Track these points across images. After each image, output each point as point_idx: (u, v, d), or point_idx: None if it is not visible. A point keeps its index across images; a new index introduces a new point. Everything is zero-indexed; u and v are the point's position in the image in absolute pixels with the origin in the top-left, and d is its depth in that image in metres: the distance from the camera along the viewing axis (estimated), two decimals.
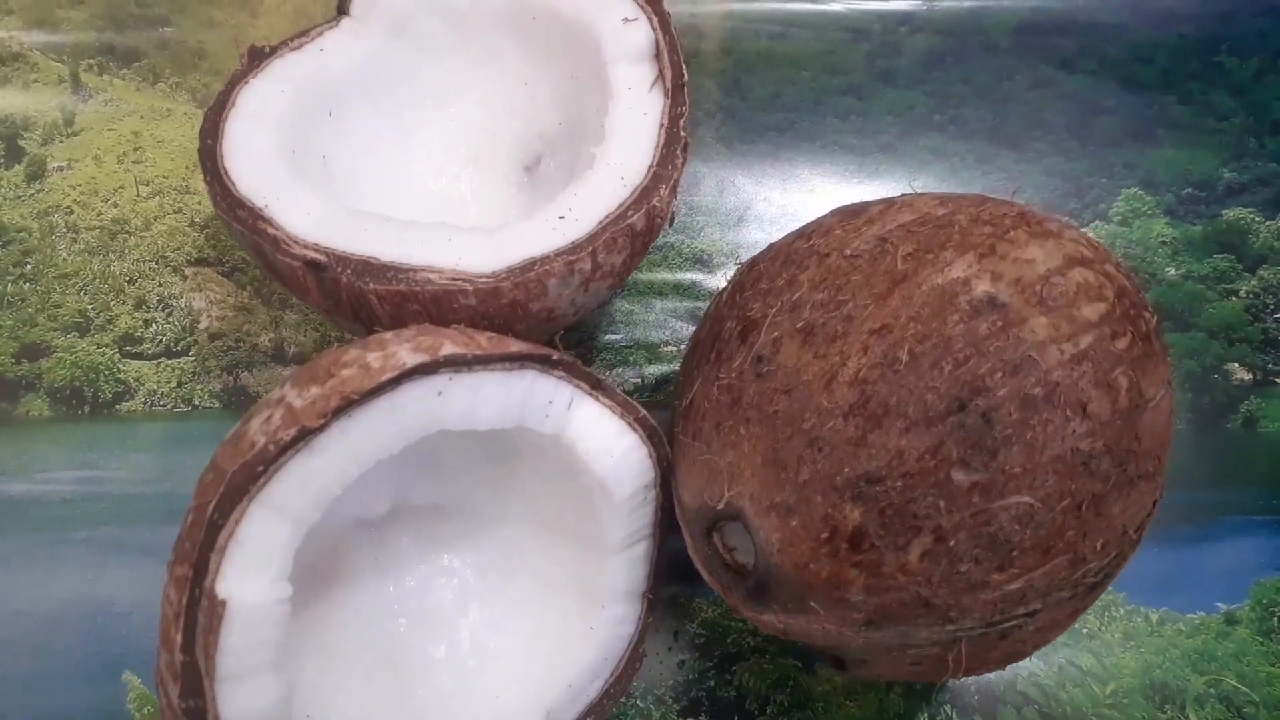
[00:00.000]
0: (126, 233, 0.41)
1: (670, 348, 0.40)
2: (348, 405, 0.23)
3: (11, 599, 0.35)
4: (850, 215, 0.27)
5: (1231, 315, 0.42)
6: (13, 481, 0.37)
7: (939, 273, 0.23)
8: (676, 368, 0.40)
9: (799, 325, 0.24)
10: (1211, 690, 0.35)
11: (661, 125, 0.30)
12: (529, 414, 0.26)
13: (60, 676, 0.34)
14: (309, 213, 0.28)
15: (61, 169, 0.43)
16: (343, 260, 0.27)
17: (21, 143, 0.43)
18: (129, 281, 0.41)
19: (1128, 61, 0.47)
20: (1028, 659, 0.26)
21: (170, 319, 0.40)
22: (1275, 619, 0.36)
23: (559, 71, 0.35)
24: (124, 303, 0.40)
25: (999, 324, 0.22)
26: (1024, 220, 0.25)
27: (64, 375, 0.39)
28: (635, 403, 0.28)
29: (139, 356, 0.40)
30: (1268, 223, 0.44)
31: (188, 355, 0.40)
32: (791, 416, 0.23)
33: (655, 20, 0.31)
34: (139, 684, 0.34)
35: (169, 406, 0.39)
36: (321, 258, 0.27)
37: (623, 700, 0.34)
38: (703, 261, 0.42)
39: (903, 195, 0.28)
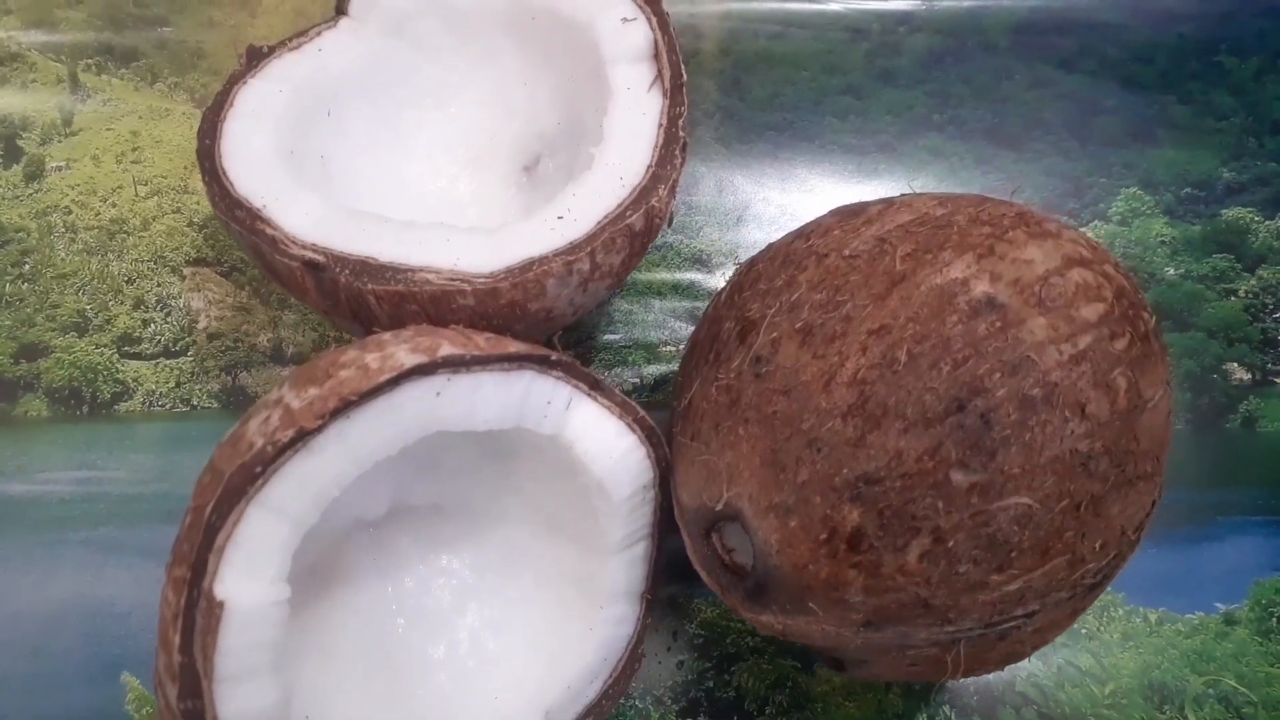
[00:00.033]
0: (125, 233, 0.41)
1: (669, 348, 0.40)
2: (346, 406, 0.23)
3: (10, 600, 0.35)
4: (849, 215, 0.27)
5: (1230, 315, 0.42)
6: (11, 482, 0.37)
7: (938, 273, 0.23)
8: (675, 368, 0.40)
9: (797, 326, 0.24)
10: (1210, 690, 0.35)
11: (660, 125, 0.30)
12: (527, 414, 0.26)
13: (59, 677, 0.34)
14: (307, 213, 0.28)
15: (60, 169, 0.42)
16: (341, 260, 0.27)
17: (20, 142, 0.43)
18: (127, 281, 0.41)
19: (1127, 61, 0.47)
20: (1026, 660, 0.26)
21: (169, 319, 0.40)
22: (1274, 619, 0.36)
23: (558, 72, 0.35)
24: (122, 303, 0.40)
25: (997, 324, 0.22)
26: (1023, 220, 0.25)
27: (62, 375, 0.39)
28: (634, 403, 0.28)
29: (137, 357, 0.40)
30: (1267, 222, 0.44)
31: (186, 355, 0.40)
32: (790, 417, 0.23)
33: (654, 20, 0.31)
34: (138, 685, 0.34)
35: (167, 407, 0.39)
36: (320, 258, 0.27)
37: (622, 701, 0.34)
38: (701, 261, 0.42)
39: (901, 195, 0.28)
